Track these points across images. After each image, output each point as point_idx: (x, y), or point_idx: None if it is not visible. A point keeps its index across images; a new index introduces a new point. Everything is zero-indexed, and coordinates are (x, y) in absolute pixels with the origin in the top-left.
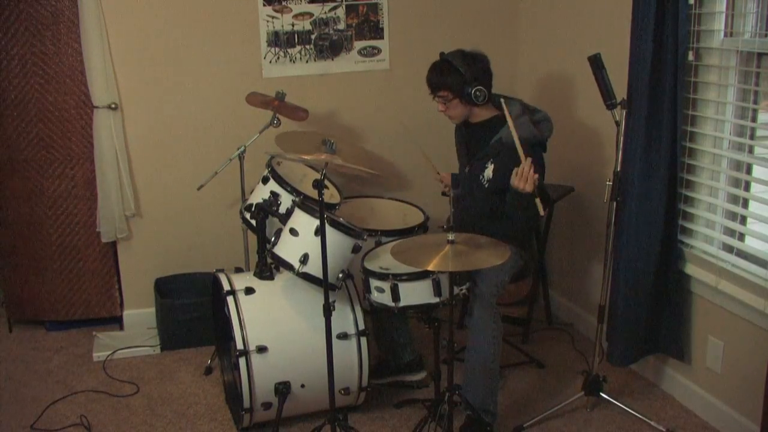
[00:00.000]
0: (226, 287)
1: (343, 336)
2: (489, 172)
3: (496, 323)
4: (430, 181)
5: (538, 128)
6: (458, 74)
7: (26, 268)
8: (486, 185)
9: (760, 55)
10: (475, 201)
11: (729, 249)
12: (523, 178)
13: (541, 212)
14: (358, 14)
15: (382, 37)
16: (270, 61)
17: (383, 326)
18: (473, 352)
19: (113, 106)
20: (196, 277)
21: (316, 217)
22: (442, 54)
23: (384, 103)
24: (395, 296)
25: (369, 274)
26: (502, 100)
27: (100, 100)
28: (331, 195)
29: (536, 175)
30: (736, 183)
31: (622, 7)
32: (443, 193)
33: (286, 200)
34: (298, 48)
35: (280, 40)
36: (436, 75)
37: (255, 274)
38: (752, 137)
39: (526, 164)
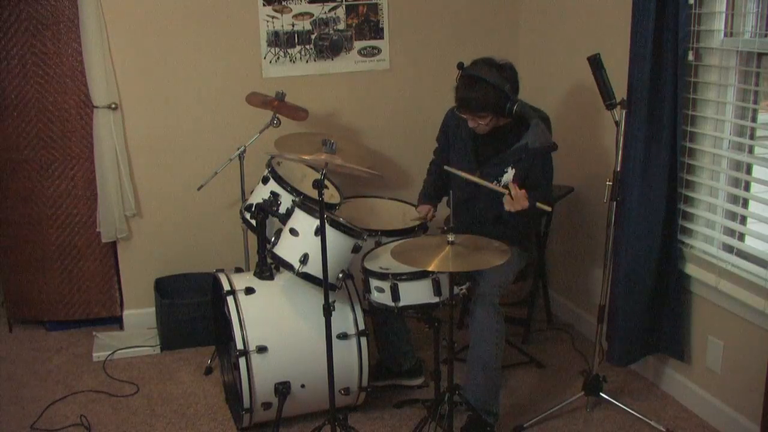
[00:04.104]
0: (226, 287)
1: (343, 336)
2: (508, 177)
3: (499, 324)
4: None
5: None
6: (498, 93)
7: (26, 268)
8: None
9: (760, 55)
10: (480, 205)
11: (729, 249)
12: (516, 201)
13: (549, 209)
14: (358, 14)
15: (382, 37)
16: (270, 61)
17: (384, 334)
18: (475, 353)
19: (113, 106)
20: (196, 277)
21: (316, 217)
22: (466, 68)
23: (384, 103)
24: (395, 296)
25: (369, 274)
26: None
27: (100, 100)
28: (331, 195)
29: (523, 191)
30: (736, 183)
31: (622, 7)
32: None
33: (286, 200)
34: (298, 48)
35: (280, 40)
36: (475, 96)
37: (255, 274)
38: (752, 137)
39: (511, 190)
